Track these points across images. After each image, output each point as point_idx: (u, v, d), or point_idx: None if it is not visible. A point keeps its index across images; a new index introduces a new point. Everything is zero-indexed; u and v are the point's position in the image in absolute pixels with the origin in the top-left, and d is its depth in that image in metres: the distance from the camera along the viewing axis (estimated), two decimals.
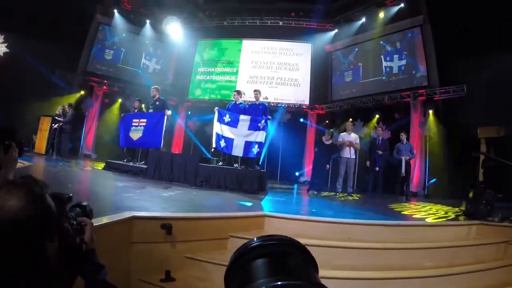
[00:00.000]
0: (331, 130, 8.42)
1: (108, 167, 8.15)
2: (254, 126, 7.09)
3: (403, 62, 10.48)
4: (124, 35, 12.91)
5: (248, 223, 4.05)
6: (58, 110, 9.92)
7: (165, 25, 12.82)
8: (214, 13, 13.29)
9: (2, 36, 12.42)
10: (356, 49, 11.76)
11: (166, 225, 3.19)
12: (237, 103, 7.84)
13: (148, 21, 12.98)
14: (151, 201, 4.43)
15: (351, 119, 8.78)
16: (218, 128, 7.35)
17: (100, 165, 8.68)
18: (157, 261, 3.10)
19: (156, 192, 5.37)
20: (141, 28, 13.01)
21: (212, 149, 7.83)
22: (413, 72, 10.26)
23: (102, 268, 1.27)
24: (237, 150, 7.13)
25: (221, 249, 3.67)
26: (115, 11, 12.61)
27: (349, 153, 8.18)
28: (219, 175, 6.87)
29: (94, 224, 1.30)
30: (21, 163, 6.21)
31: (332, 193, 8.29)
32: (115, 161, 8.32)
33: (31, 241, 0.96)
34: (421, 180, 9.78)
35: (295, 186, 10.15)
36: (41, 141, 9.24)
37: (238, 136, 7.12)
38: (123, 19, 12.77)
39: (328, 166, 7.96)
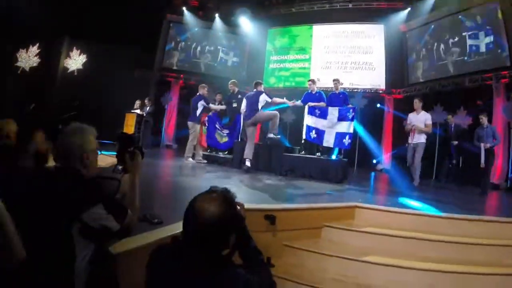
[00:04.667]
0: None
1: (194, 157, 8.63)
2: (343, 117, 7.17)
3: (490, 39, 9.31)
4: (196, 29, 13.63)
5: (339, 214, 4.25)
6: (136, 105, 10.97)
7: (234, 17, 13.35)
8: (281, 0, 13.25)
9: (78, 52, 14.15)
10: (432, 26, 10.90)
11: (270, 216, 3.49)
12: (313, 92, 8.01)
13: (217, 15, 13.46)
14: (247, 193, 4.85)
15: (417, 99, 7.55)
16: (308, 120, 7.62)
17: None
18: (260, 248, 3.53)
19: (248, 182, 5.84)
20: (211, 23, 13.58)
21: (303, 141, 7.97)
22: (499, 50, 9.13)
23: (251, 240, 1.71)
24: (328, 141, 7.26)
25: (316, 237, 3.94)
26: (184, 8, 13.34)
27: (417, 137, 7.06)
28: (303, 164, 7.18)
29: None
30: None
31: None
32: (202, 152, 8.67)
33: (223, 233, 1.41)
34: (504, 171, 8.70)
35: (372, 173, 9.95)
36: None
37: (328, 127, 7.26)
38: (192, 16, 13.48)
39: None
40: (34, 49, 15.06)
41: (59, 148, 1.99)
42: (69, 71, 14.31)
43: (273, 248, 3.43)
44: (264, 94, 7.50)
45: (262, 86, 7.89)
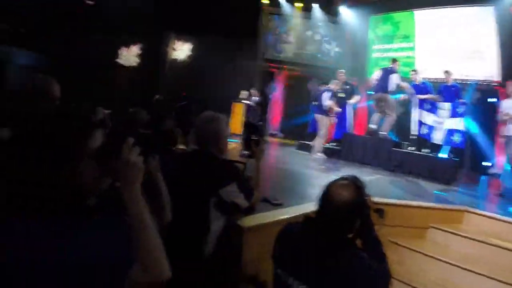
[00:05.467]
0: None
1: (300, 147, 9.25)
2: (454, 112, 6.94)
3: None
4: (295, 20, 13.95)
5: (447, 216, 4.27)
6: (242, 95, 11.83)
7: (333, 6, 13.28)
8: None
9: (181, 43, 15.78)
10: None
11: (380, 210, 3.80)
12: (416, 83, 7.87)
13: (315, 4, 13.46)
14: None
15: None
16: (418, 114, 7.52)
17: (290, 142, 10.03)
18: None
19: (357, 175, 6.12)
20: (309, 12, 13.66)
21: (414, 136, 7.85)
22: None
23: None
24: (437, 138, 7.12)
25: (420, 238, 4.02)
26: (281, 0, 13.60)
27: (509, 128, 6.02)
28: (411, 161, 7.07)
29: None
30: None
31: None
32: (307, 142, 9.13)
33: (352, 217, 1.56)
34: None
35: (483, 177, 8.81)
36: (234, 123, 10.58)
37: (438, 123, 7.12)
38: (290, 6, 13.73)
39: None
40: (135, 49, 16.83)
41: (198, 134, 2.27)
42: (178, 60, 15.94)
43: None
44: (397, 74, 7.55)
45: (398, 63, 7.89)
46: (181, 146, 3.24)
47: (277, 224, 1.97)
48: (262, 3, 13.96)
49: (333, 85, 8.46)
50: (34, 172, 1.03)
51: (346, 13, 13.25)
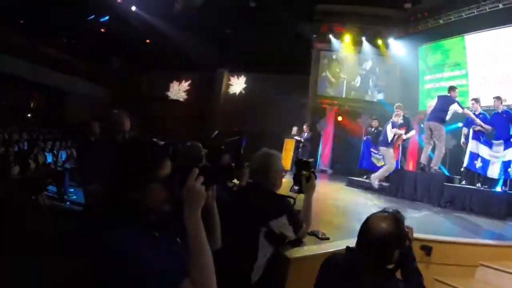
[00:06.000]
0: None
1: (350, 184, 9.02)
2: (509, 143, 6.58)
3: None
4: (345, 55, 14.03)
5: (499, 253, 3.96)
6: (293, 131, 11.88)
7: (381, 39, 13.23)
8: (425, 13, 12.32)
9: (241, 76, 16.64)
10: None
11: (427, 247, 3.44)
12: (476, 113, 7.42)
13: (363, 38, 13.47)
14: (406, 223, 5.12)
15: None
16: (473, 146, 7.06)
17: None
18: None
19: (407, 213, 5.61)
20: (359, 47, 13.71)
21: (462, 169, 7.50)
22: None
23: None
24: (492, 172, 6.71)
25: (469, 276, 3.74)
26: (330, 36, 13.80)
27: None
28: (464, 196, 6.60)
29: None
30: None
31: None
32: (356, 178, 9.06)
33: (389, 247, 1.60)
34: None
35: None
36: (285, 159, 10.44)
37: (493, 157, 6.71)
38: (339, 42, 13.85)
39: None
40: (185, 85, 17.84)
41: (252, 169, 2.42)
42: (236, 94, 16.69)
43: (424, 281, 3.54)
44: (456, 103, 7.16)
45: (457, 91, 7.53)
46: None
47: (322, 257, 1.93)
48: (312, 40, 14.34)
49: (395, 117, 8.18)
50: (114, 191, 1.27)
51: (395, 45, 13.13)
